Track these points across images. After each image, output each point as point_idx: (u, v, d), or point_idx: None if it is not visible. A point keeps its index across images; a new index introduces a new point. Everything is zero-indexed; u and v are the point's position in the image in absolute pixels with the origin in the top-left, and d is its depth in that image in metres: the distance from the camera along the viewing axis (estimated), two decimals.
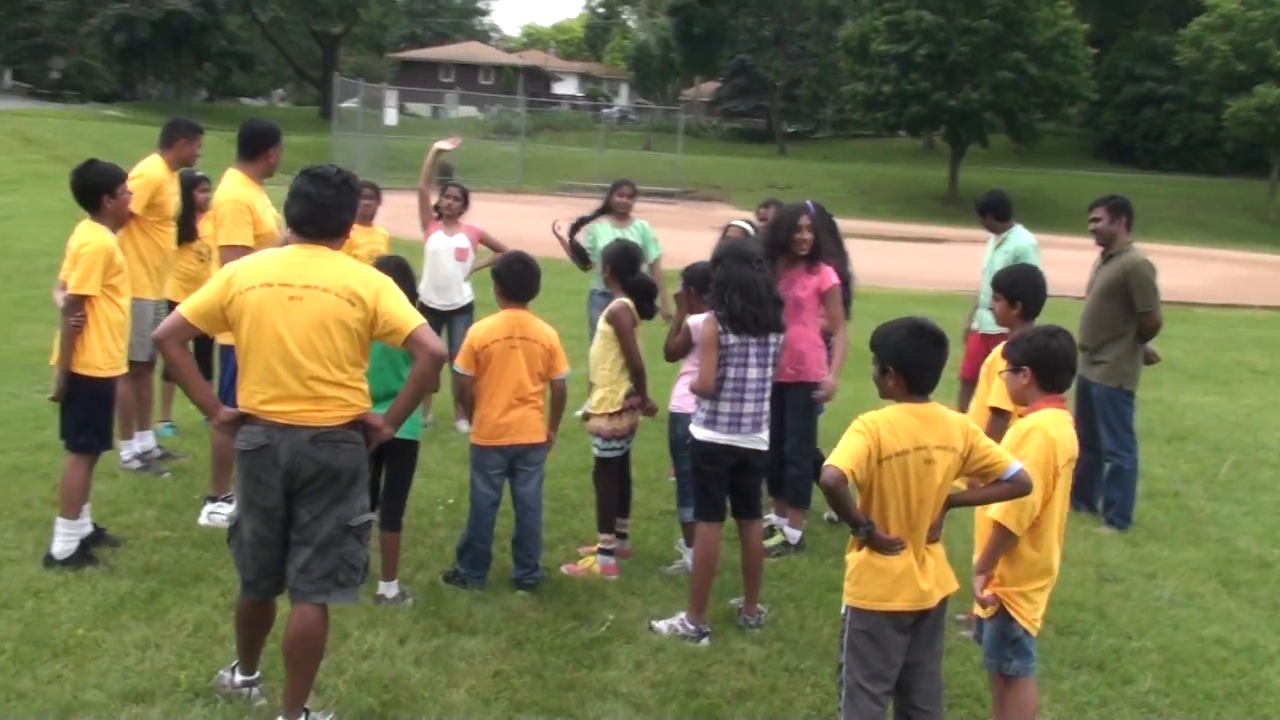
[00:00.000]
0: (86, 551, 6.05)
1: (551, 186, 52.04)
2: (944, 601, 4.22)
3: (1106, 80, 57.70)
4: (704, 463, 5.75)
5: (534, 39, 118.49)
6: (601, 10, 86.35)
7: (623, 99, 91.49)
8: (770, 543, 6.93)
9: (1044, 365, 4.53)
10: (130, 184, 6.48)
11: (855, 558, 4.16)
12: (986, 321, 8.76)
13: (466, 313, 9.20)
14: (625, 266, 6.69)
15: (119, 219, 6.16)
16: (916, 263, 28.53)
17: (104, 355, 6.02)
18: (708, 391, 5.66)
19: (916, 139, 63.68)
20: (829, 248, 7.13)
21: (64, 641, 5.20)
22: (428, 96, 70.78)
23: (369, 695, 4.89)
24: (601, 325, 6.56)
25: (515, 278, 6.10)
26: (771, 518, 7.15)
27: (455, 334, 8.85)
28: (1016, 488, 4.13)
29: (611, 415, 6.50)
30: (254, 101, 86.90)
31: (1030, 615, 4.44)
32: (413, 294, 5.98)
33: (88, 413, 6.01)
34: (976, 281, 9.16)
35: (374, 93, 49.93)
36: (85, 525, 6.19)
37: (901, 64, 50.82)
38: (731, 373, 5.65)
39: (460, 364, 6.07)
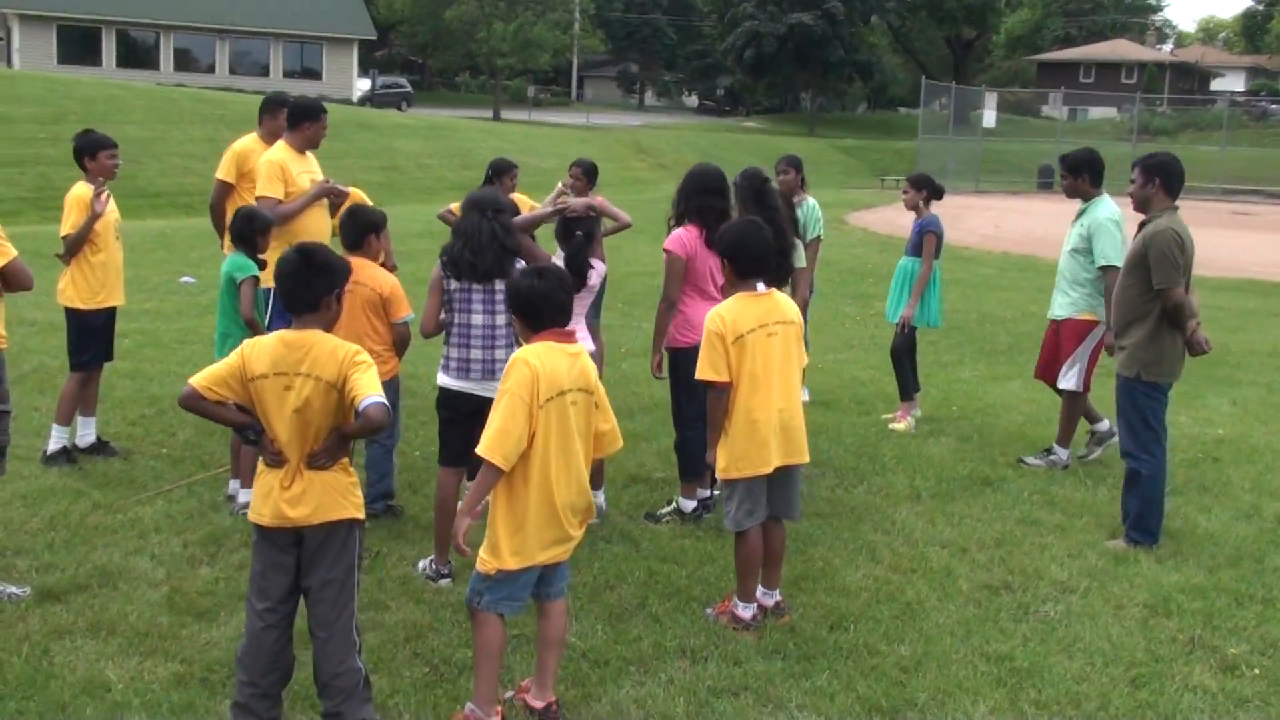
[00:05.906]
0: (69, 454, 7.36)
1: None
2: (329, 530, 4.16)
3: None
4: (441, 408, 5.82)
5: (1211, 33, 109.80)
6: None
7: None
8: (663, 510, 6.77)
9: (525, 309, 4.48)
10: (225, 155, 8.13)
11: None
12: (1057, 305, 7.77)
13: None
14: (561, 233, 6.71)
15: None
16: None
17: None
18: (425, 331, 5.82)
19: None
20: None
21: None
22: (1029, 98, 68.09)
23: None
24: None
25: (352, 225, 6.45)
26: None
27: None
28: (364, 422, 4.00)
29: None
30: (912, 110, 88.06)
31: (508, 552, 4.34)
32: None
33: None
34: None
35: (972, 96, 49.33)
36: (86, 435, 7.53)
37: None
38: (456, 318, 5.69)
39: None
